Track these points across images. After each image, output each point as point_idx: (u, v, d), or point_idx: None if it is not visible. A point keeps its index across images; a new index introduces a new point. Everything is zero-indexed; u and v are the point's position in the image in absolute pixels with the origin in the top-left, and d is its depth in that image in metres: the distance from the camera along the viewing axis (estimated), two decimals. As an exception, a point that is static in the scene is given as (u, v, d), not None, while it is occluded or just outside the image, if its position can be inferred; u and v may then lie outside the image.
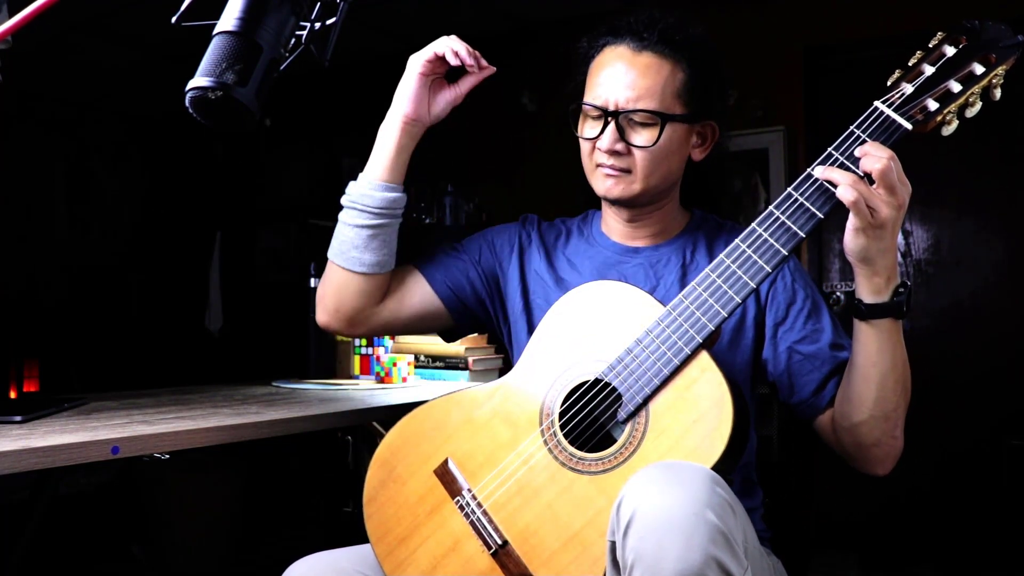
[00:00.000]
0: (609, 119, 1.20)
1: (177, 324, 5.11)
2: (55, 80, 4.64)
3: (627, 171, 1.22)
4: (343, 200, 1.32)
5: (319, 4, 0.95)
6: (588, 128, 1.24)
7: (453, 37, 1.24)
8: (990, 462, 3.08)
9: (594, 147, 1.23)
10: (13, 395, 1.62)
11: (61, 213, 4.96)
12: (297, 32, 0.94)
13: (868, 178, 1.00)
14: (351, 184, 1.32)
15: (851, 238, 1.02)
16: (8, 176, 4.60)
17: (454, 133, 4.32)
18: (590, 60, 1.26)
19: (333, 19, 0.96)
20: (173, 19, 0.95)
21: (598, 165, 1.23)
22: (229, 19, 0.89)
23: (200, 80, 0.86)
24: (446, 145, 4.34)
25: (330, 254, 1.33)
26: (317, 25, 0.95)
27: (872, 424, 1.11)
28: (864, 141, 1.01)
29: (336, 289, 1.33)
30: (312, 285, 2.16)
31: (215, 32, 0.90)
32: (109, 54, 4.28)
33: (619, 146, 1.20)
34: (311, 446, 3.35)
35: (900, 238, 3.35)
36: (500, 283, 1.37)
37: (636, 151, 1.20)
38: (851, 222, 1.01)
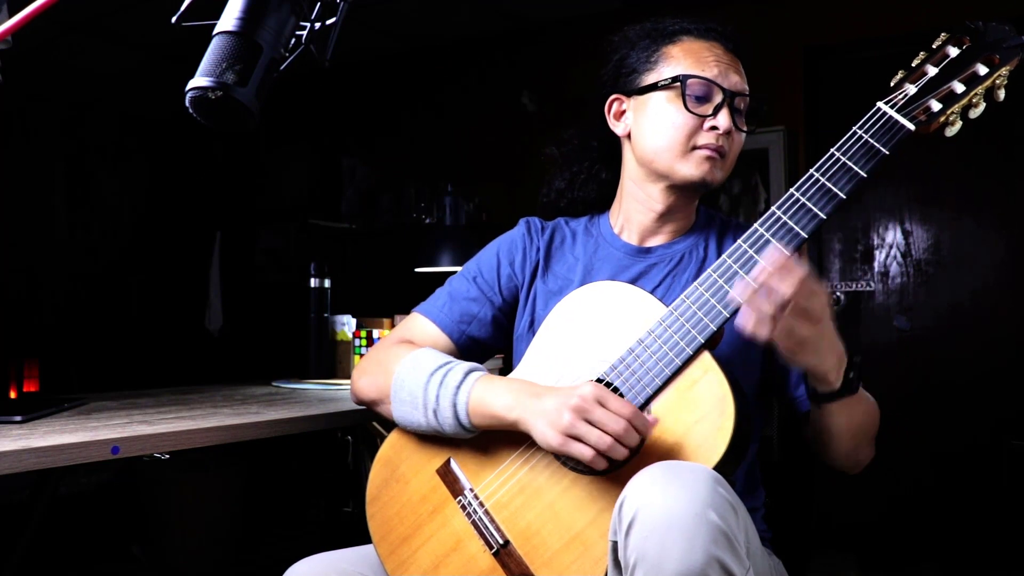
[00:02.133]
0: (725, 98, 1.17)
1: (177, 324, 5.11)
2: (55, 80, 4.64)
3: (723, 155, 1.20)
4: (418, 393, 1.16)
5: (319, 4, 0.95)
6: (695, 105, 1.18)
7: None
8: (990, 462, 3.08)
9: (699, 127, 1.18)
10: (13, 395, 1.61)
11: (61, 213, 4.96)
12: (297, 32, 0.94)
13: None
14: (445, 390, 1.14)
15: (783, 356, 0.99)
16: (8, 176, 4.60)
17: (454, 133, 4.34)
18: (661, 44, 1.23)
19: (333, 19, 0.96)
20: (173, 19, 0.95)
21: (697, 147, 1.19)
22: (229, 19, 0.89)
23: (200, 80, 0.86)
24: (446, 145, 4.36)
25: (394, 404, 1.20)
26: (317, 25, 0.95)
27: (832, 458, 1.16)
28: (866, 142, 1.01)
29: (383, 414, 1.26)
30: (312, 285, 2.16)
31: (215, 32, 0.90)
32: (109, 54, 4.28)
33: (733, 127, 1.18)
34: (311, 446, 3.35)
35: (900, 238, 3.35)
36: (517, 298, 1.35)
37: (736, 135, 1.20)
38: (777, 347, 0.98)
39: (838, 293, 3.41)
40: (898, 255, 3.36)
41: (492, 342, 1.36)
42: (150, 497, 3.06)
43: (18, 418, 1.27)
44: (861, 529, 3.30)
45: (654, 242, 1.28)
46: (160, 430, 1.21)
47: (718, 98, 1.18)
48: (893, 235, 3.36)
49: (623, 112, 1.27)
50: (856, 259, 3.43)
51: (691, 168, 1.19)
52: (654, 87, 1.21)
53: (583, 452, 0.99)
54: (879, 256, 3.39)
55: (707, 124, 1.18)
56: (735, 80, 1.19)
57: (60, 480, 1.28)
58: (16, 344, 4.42)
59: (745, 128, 1.22)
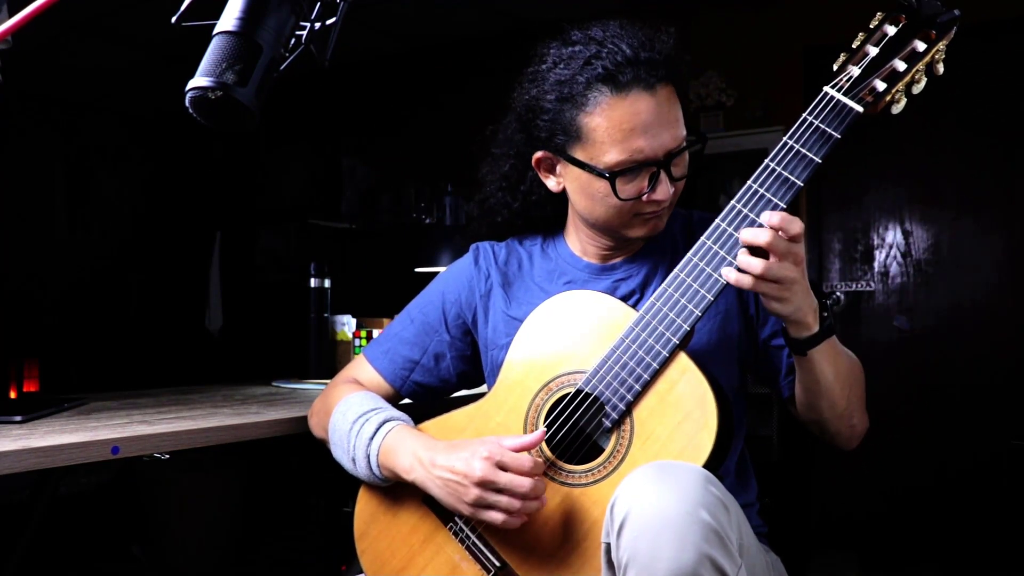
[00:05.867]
0: (659, 170, 1.10)
1: (177, 324, 5.11)
2: (55, 80, 4.64)
3: (667, 206, 1.15)
4: (344, 440, 1.19)
5: (319, 4, 0.95)
6: (630, 186, 1.11)
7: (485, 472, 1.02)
8: (990, 462, 3.08)
9: (637, 201, 1.12)
10: (13, 395, 1.62)
11: (61, 213, 4.96)
12: (297, 32, 0.94)
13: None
14: (360, 440, 1.16)
15: (766, 304, 1.00)
16: (8, 176, 4.60)
17: (454, 133, 4.33)
18: (576, 113, 1.11)
19: (333, 19, 0.96)
20: (173, 19, 0.95)
21: (638, 214, 1.14)
22: (229, 19, 0.89)
23: (200, 80, 0.86)
24: (446, 145, 4.35)
25: (331, 448, 1.23)
26: (317, 25, 0.95)
27: (828, 421, 1.12)
28: (817, 127, 1.00)
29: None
30: (312, 285, 2.16)
31: (215, 32, 0.90)
32: (109, 54, 4.28)
33: (672, 189, 1.12)
34: (311, 446, 3.34)
35: (900, 238, 3.35)
36: (473, 336, 1.31)
37: (677, 184, 1.14)
38: (762, 299, 1.00)
39: (838, 293, 3.41)
40: (898, 255, 3.35)
41: (443, 385, 1.32)
42: (150, 497, 3.06)
43: (18, 418, 1.27)
44: (862, 528, 3.30)
45: (616, 259, 1.25)
46: (160, 430, 1.21)
47: (651, 171, 1.10)
48: (893, 235, 3.36)
49: (553, 166, 1.19)
50: (856, 259, 3.43)
51: (636, 230, 1.16)
52: (582, 165, 1.12)
53: (496, 518, 1.02)
54: (879, 256, 3.39)
55: (645, 197, 1.11)
56: (666, 138, 1.09)
57: (60, 480, 1.28)
58: (16, 344, 4.42)
59: (685, 173, 1.15)
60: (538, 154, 1.19)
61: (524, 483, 1.00)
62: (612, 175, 1.09)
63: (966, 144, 3.21)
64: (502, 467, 1.01)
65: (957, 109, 3.16)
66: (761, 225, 0.99)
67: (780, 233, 0.97)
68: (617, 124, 1.08)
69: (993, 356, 3.16)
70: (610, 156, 1.09)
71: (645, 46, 1.10)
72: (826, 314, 1.04)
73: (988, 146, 3.19)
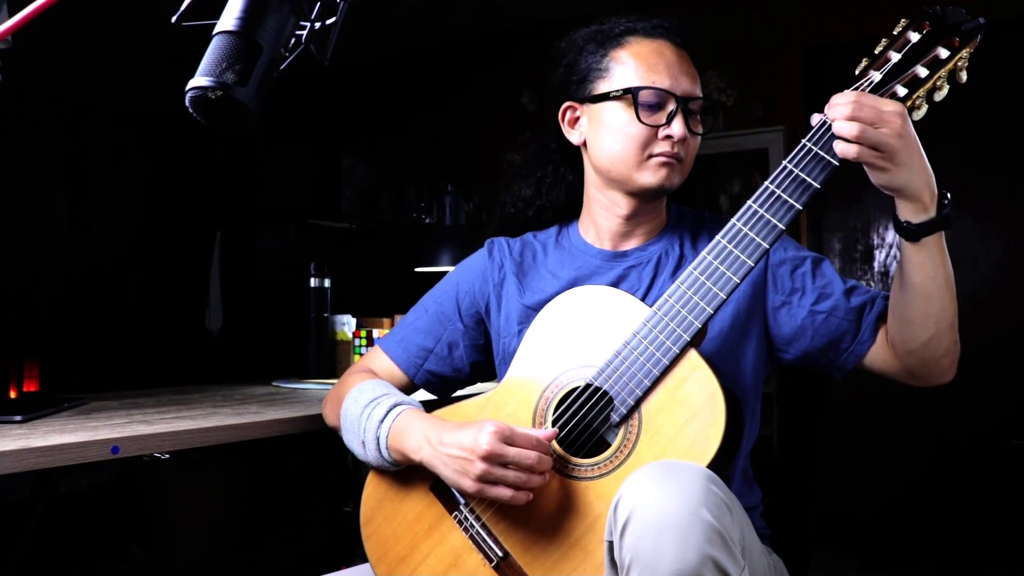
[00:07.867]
0: (678, 105, 1.16)
1: (177, 324, 5.11)
2: (55, 80, 4.64)
3: (680, 160, 1.19)
4: (355, 425, 1.20)
5: (319, 4, 0.95)
6: (650, 115, 1.17)
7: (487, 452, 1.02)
8: (990, 461, 3.08)
9: (653, 136, 1.17)
10: (13, 395, 1.62)
11: (61, 213, 4.96)
12: (297, 32, 0.94)
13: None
14: (371, 423, 1.17)
15: (873, 177, 1.01)
16: (8, 176, 4.60)
17: (454, 133, 4.34)
18: (608, 48, 1.21)
19: (333, 19, 0.96)
20: (173, 19, 0.95)
21: (653, 155, 1.18)
22: (229, 19, 0.89)
23: (200, 80, 0.86)
24: (446, 145, 4.36)
25: (343, 434, 1.24)
26: (317, 25, 0.95)
27: (940, 336, 1.11)
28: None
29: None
30: (312, 285, 2.16)
31: (215, 32, 0.90)
32: (109, 54, 4.28)
33: (687, 134, 1.17)
34: (311, 446, 3.35)
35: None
36: (486, 326, 1.33)
37: (691, 139, 1.19)
38: (869, 174, 1.00)
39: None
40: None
41: (457, 375, 1.34)
42: (150, 497, 3.06)
43: (18, 418, 1.27)
44: (862, 527, 3.30)
45: (628, 245, 1.27)
46: (160, 430, 1.21)
47: (671, 106, 1.17)
48: (893, 235, 3.36)
49: (577, 119, 1.26)
50: (856, 259, 3.43)
51: (648, 176, 1.19)
52: (606, 97, 1.20)
53: (503, 494, 1.02)
54: (879, 256, 3.39)
55: (661, 133, 1.17)
56: (686, 85, 1.18)
57: (60, 480, 1.28)
58: (16, 344, 4.41)
59: (700, 131, 1.21)
60: (564, 104, 1.26)
61: (531, 455, 1.01)
62: (635, 91, 1.17)
63: (966, 144, 3.21)
64: (509, 442, 1.01)
65: (958, 109, 3.16)
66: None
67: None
68: (644, 57, 1.19)
69: (993, 356, 3.15)
70: (634, 81, 1.18)
71: (683, 24, 1.24)
72: (946, 202, 1.04)
73: (988, 146, 3.19)
